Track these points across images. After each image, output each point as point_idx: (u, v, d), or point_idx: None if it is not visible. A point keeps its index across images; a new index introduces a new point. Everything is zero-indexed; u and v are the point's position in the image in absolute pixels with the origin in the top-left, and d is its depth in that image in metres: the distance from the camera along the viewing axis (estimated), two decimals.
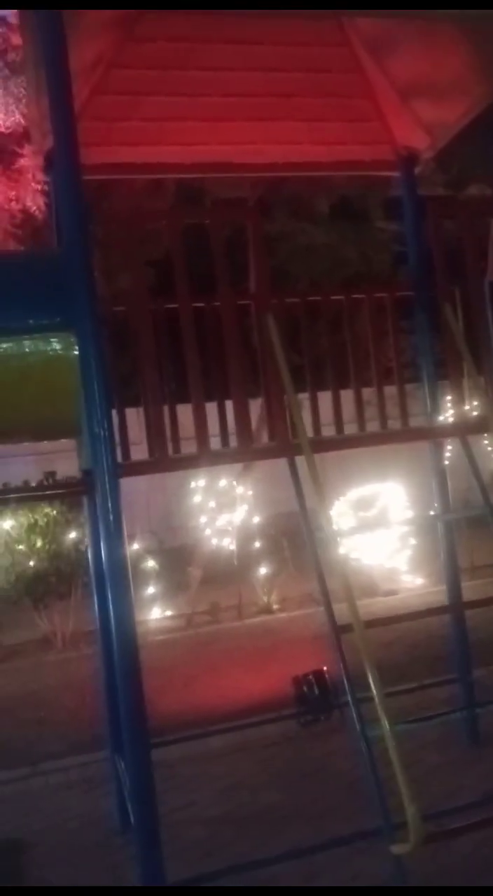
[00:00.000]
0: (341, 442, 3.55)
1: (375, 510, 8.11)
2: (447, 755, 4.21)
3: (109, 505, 2.50)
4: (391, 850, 2.42)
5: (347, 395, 4.09)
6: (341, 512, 7.99)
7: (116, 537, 2.53)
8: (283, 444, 2.90)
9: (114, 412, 3.60)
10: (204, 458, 2.75)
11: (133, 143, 3.96)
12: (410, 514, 8.09)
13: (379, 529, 7.71)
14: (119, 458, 3.12)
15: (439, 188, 14.50)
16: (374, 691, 2.42)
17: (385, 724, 2.37)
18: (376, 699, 2.43)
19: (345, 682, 2.71)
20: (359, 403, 4.08)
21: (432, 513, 4.55)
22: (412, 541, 8.13)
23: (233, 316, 2.84)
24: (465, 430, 3.28)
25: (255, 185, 10.63)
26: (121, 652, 2.58)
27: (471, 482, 3.22)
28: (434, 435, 3.54)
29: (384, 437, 3.43)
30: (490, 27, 3.33)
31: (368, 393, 4.09)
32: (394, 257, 13.74)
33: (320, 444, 3.06)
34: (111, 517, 2.51)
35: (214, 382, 3.43)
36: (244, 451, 2.88)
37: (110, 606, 2.57)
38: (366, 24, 3.83)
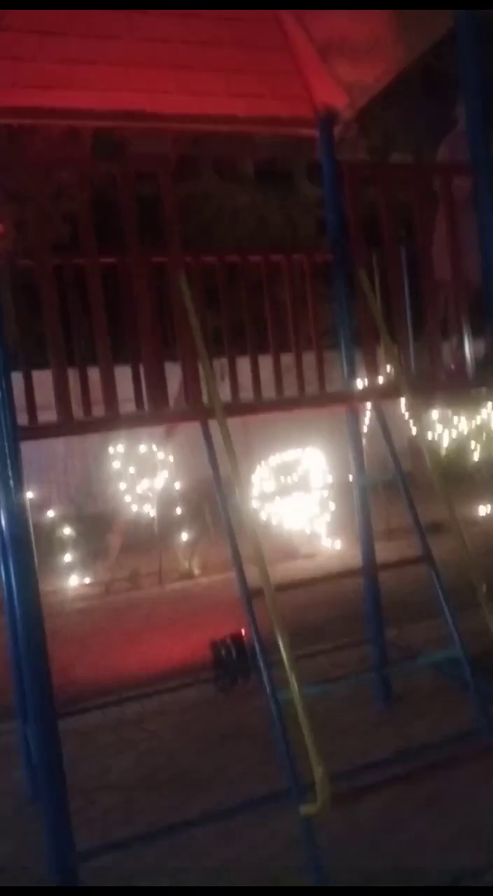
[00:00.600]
0: (254, 406, 3.52)
1: (295, 475, 8.19)
2: (361, 714, 4.31)
3: (10, 471, 2.38)
4: (300, 812, 2.45)
5: (268, 361, 4.07)
6: (262, 477, 8.03)
7: (17, 504, 2.42)
8: (195, 407, 2.83)
9: (20, 374, 3.49)
10: (111, 421, 2.65)
11: (42, 85, 3.74)
12: (329, 479, 8.21)
13: (297, 493, 7.79)
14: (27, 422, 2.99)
15: (362, 153, 14.55)
16: (284, 655, 2.42)
17: (294, 687, 2.37)
18: (286, 663, 2.43)
19: (256, 645, 2.70)
20: (277, 368, 4.06)
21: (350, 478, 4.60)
22: (332, 505, 8.27)
23: (142, 274, 2.72)
24: (374, 396, 3.29)
25: (177, 140, 10.34)
26: (24, 622, 2.49)
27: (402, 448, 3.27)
28: (344, 400, 3.56)
29: (296, 402, 3.42)
30: None
31: (288, 358, 4.08)
32: (319, 222, 13.75)
33: (233, 408, 3.01)
34: (12, 483, 2.39)
35: (128, 344, 3.32)
36: (154, 415, 2.80)
37: (12, 576, 2.47)
38: None
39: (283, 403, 3.56)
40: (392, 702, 4.36)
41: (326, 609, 6.39)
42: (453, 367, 3.41)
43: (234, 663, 4.13)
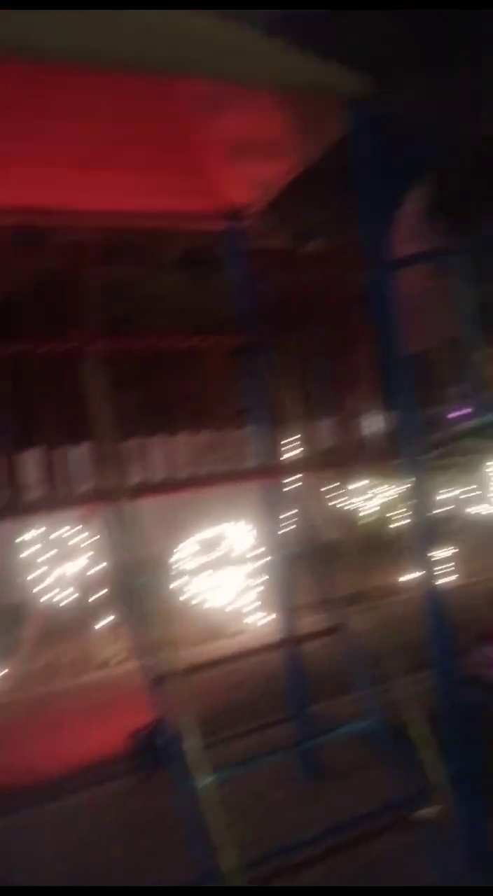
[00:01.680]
0: (163, 486, 3.55)
1: (221, 551, 8.17)
2: (289, 793, 4.25)
3: None
4: None
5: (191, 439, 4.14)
6: (187, 553, 7.98)
7: None
8: (101, 490, 2.85)
9: None
10: (10, 508, 2.64)
11: None
12: (258, 553, 8.21)
13: (223, 570, 7.76)
14: None
15: (285, 240, 15.27)
16: (189, 742, 2.39)
17: (202, 775, 2.34)
18: (192, 750, 2.40)
19: (165, 733, 2.66)
20: (192, 447, 4.14)
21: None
22: (260, 579, 8.25)
23: (43, 362, 2.79)
24: (276, 473, 3.40)
25: (99, 229, 10.62)
26: None
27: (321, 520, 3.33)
28: (249, 477, 3.65)
29: (203, 481, 3.48)
30: (306, 96, 3.57)
31: (208, 437, 4.17)
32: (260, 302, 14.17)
33: (141, 489, 3.04)
34: None
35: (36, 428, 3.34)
36: (58, 500, 2.81)
37: None
38: (187, 82, 3.96)
39: (190, 483, 3.61)
40: (321, 778, 4.31)
41: (258, 687, 6.30)
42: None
43: (154, 752, 4.01)
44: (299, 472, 3.58)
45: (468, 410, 3.90)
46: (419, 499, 3.37)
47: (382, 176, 3.59)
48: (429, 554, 3.38)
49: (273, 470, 3.60)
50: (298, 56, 3.48)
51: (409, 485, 3.38)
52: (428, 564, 3.38)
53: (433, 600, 3.34)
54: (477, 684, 4.44)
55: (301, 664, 4.36)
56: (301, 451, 3.77)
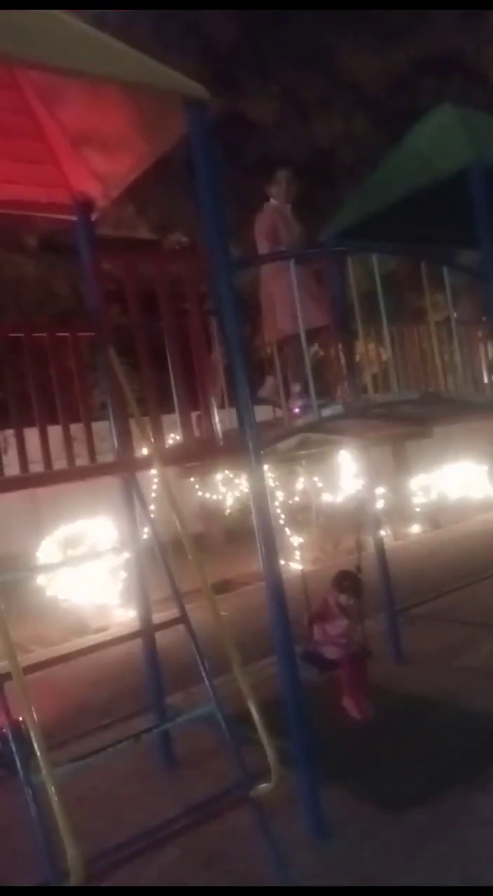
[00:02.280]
0: (15, 482, 3.46)
1: (84, 546, 8.09)
2: (145, 784, 4.31)
3: None
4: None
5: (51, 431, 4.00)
6: (49, 551, 7.82)
7: None
8: None
9: None
10: None
11: None
12: (118, 548, 8.19)
13: (86, 565, 7.68)
14: None
15: (143, 231, 15.16)
16: (33, 739, 2.39)
17: (44, 770, 2.35)
18: (36, 745, 2.41)
19: (8, 732, 2.64)
20: (44, 442, 4.02)
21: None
22: (124, 574, 8.24)
23: None
24: (127, 468, 3.43)
25: None
26: None
27: (186, 510, 3.38)
28: (101, 472, 3.64)
29: (50, 476, 3.42)
30: (148, 95, 3.60)
31: (68, 430, 4.05)
32: (106, 294, 13.98)
33: None
34: None
35: None
36: None
37: None
38: (34, 72, 3.88)
39: (28, 482, 3.53)
40: (174, 767, 4.40)
41: (114, 682, 6.31)
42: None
43: (8, 755, 3.93)
44: (153, 466, 3.60)
45: (300, 407, 4.09)
46: (258, 491, 3.51)
47: (224, 175, 3.68)
48: (270, 544, 3.53)
49: (127, 464, 3.60)
50: (137, 56, 3.50)
51: (248, 478, 3.51)
52: (270, 554, 3.52)
53: (274, 589, 3.50)
54: (312, 660, 4.72)
55: (155, 656, 4.42)
56: (156, 445, 3.79)
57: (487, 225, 4.89)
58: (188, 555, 3.26)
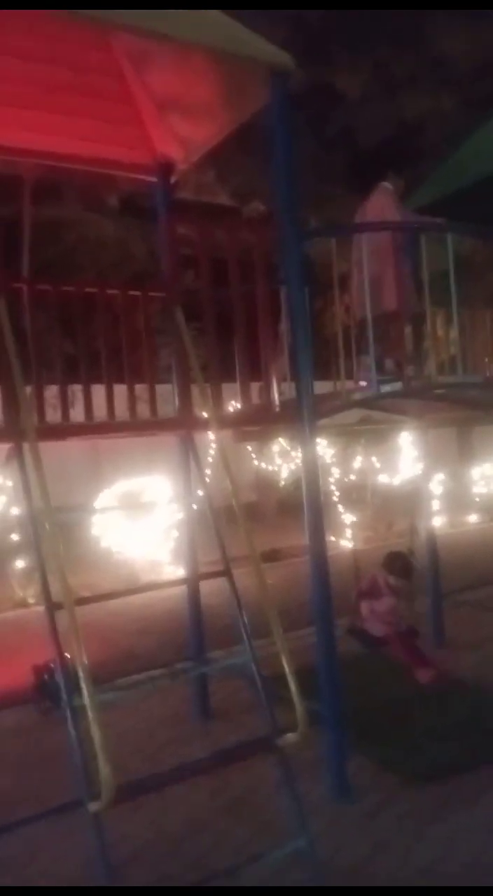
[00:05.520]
0: (65, 429, 3.62)
1: (142, 502, 8.32)
2: (177, 731, 4.52)
3: None
4: (89, 809, 2.59)
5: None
6: (106, 503, 8.09)
7: None
8: (7, 429, 2.95)
9: None
10: None
11: None
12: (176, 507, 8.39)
13: (142, 521, 7.91)
14: None
15: (224, 198, 15.17)
16: (80, 672, 2.56)
17: (87, 696, 2.52)
18: (82, 676, 2.58)
19: (57, 662, 2.83)
20: (109, 398, 4.18)
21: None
22: (176, 533, 8.46)
23: None
24: (182, 427, 3.54)
25: (36, 166, 10.34)
26: None
27: (240, 478, 3.50)
28: (160, 428, 3.77)
29: (110, 426, 3.56)
30: (234, 62, 3.64)
31: (134, 389, 4.20)
32: (180, 259, 14.13)
33: (44, 432, 3.12)
34: None
35: None
36: None
37: None
38: (126, 36, 3.97)
39: (93, 428, 3.68)
40: (209, 718, 4.58)
41: (159, 634, 6.55)
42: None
43: (56, 686, 4.18)
44: (210, 428, 3.70)
45: (365, 383, 4.12)
46: (309, 461, 3.58)
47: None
48: (317, 514, 3.60)
49: (185, 422, 3.72)
50: (226, 24, 3.54)
51: (301, 448, 3.58)
52: (316, 524, 3.60)
53: (318, 562, 3.58)
54: (358, 636, 4.80)
55: (198, 606, 4.58)
56: (217, 410, 3.89)
57: None
58: (239, 520, 3.37)
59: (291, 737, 2.88)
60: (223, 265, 3.74)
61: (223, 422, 3.53)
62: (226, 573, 3.29)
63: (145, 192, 5.27)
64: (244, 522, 3.34)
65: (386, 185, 5.06)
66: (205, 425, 3.52)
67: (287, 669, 2.92)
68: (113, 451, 9.59)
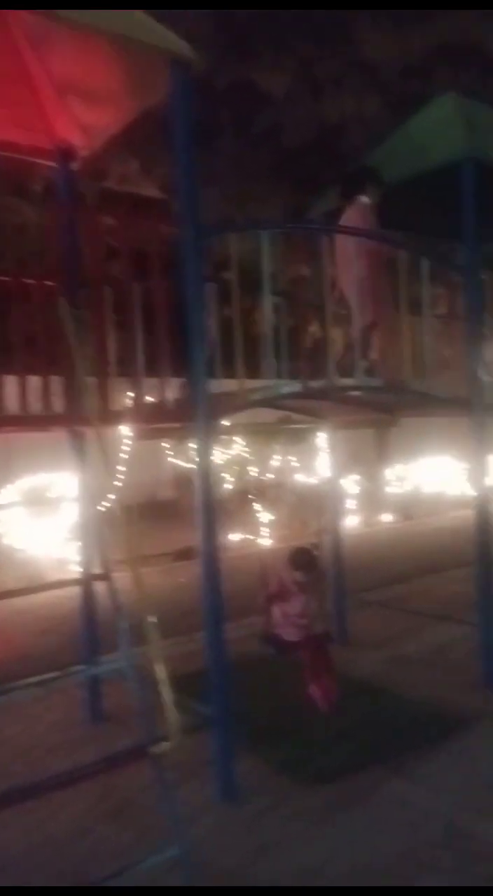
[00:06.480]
0: None
1: (48, 498, 8.10)
2: (69, 734, 4.40)
3: None
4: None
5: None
6: (10, 499, 7.84)
7: None
8: None
9: None
10: None
11: None
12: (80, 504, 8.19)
13: (47, 518, 7.70)
14: None
15: (152, 190, 15.00)
16: None
17: None
18: None
19: None
20: (22, 385, 3.92)
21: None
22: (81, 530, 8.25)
23: None
24: (68, 422, 3.42)
25: None
26: None
27: (158, 475, 3.38)
28: (45, 423, 3.62)
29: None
30: (134, 49, 3.53)
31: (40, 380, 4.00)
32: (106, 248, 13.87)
33: None
34: None
35: None
36: None
37: None
38: (23, 14, 3.79)
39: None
40: (100, 721, 4.48)
41: (62, 636, 6.35)
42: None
43: None
44: (91, 424, 3.56)
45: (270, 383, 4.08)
46: (203, 459, 3.52)
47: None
48: (210, 517, 3.54)
49: (62, 419, 3.58)
50: (131, 12, 3.44)
51: (196, 446, 3.51)
52: (209, 527, 3.54)
53: (208, 564, 3.52)
54: (271, 642, 4.70)
55: (91, 607, 4.48)
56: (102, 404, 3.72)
57: (473, 219, 4.85)
58: (121, 523, 3.28)
59: (164, 745, 2.82)
60: (141, 257, 3.62)
61: (108, 418, 3.42)
62: (105, 577, 3.20)
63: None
64: (129, 525, 3.26)
65: (363, 199, 5.02)
66: (85, 421, 3.39)
67: (159, 673, 2.86)
68: (26, 445, 9.29)
